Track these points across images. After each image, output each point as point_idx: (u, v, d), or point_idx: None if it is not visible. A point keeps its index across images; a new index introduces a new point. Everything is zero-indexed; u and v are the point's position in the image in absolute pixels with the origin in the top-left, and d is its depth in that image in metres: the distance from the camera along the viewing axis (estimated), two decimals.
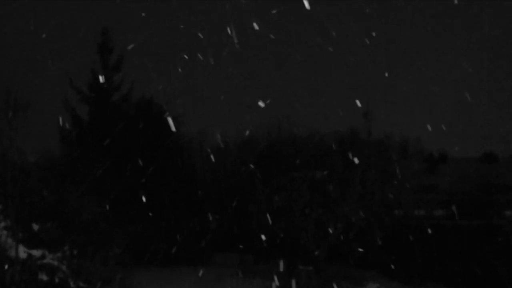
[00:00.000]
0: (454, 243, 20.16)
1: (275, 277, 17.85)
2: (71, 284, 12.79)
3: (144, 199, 23.03)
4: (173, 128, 19.44)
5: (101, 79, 25.97)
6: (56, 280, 12.65)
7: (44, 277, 12.57)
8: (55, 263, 12.94)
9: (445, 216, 29.01)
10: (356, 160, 19.35)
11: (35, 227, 13.68)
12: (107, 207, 15.58)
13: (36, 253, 13.01)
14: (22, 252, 12.93)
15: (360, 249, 18.31)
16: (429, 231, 21.47)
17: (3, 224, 13.48)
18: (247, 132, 31.67)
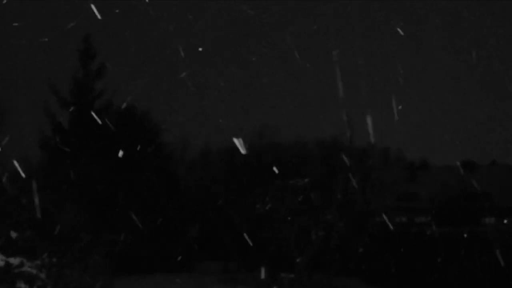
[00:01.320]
0: (436, 250, 20.31)
1: (257, 285, 17.83)
2: None
3: (125, 206, 22.83)
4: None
5: (83, 86, 25.75)
6: None
7: (22, 286, 12.37)
8: (34, 271, 12.75)
9: (426, 223, 29.25)
10: (337, 168, 19.45)
11: (13, 234, 13.46)
12: (88, 214, 15.40)
13: (14, 261, 12.79)
14: (0, 260, 12.72)
15: (341, 257, 18.37)
16: (410, 238, 21.64)
17: None
18: (230, 140, 31.64)
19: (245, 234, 19.12)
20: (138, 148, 24.96)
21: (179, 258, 23.60)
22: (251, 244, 19.07)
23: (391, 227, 21.83)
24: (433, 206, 32.22)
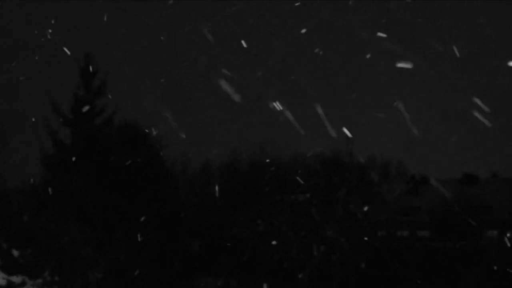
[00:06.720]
0: (439, 264, 20.26)
1: None
2: None
3: (126, 222, 22.84)
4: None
5: (84, 103, 25.87)
6: None
7: None
8: None
9: (428, 237, 29.17)
10: (338, 183, 19.46)
11: (15, 253, 13.48)
12: (89, 231, 15.43)
13: (16, 279, 12.80)
14: (1, 279, 12.72)
15: (343, 271, 18.30)
16: (413, 252, 21.57)
17: None
18: (230, 155, 31.76)
19: (245, 250, 19.07)
20: (139, 163, 25.02)
21: (179, 274, 23.52)
22: (251, 259, 19.01)
23: (393, 241, 21.80)
24: (433, 219, 32.15)
